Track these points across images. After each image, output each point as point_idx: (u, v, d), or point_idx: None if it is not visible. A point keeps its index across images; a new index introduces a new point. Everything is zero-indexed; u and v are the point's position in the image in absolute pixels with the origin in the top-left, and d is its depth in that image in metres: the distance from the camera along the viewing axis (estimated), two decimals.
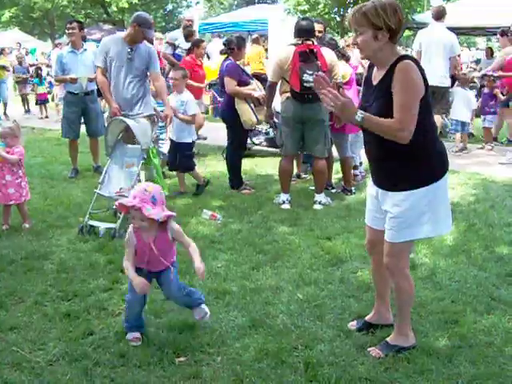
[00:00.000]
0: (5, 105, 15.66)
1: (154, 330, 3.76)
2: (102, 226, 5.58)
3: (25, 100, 16.57)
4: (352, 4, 19.28)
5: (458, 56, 9.84)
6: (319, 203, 6.56)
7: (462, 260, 4.95)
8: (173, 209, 6.32)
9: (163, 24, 47.31)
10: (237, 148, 7.36)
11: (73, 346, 3.57)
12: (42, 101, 15.54)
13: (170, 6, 44.90)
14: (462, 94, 10.33)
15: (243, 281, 4.55)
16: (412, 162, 3.23)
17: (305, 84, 6.01)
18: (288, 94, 6.25)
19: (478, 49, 28.15)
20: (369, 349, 3.54)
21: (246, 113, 6.92)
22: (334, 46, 7.09)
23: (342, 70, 6.89)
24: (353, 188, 7.21)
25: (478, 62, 21.81)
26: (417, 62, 3.19)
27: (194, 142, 7.18)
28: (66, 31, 8.20)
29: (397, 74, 3.13)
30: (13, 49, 21.75)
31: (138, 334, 3.65)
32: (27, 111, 16.42)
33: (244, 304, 4.14)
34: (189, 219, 6.04)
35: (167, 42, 11.61)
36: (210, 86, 12.42)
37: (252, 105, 6.98)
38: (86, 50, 8.06)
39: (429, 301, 4.17)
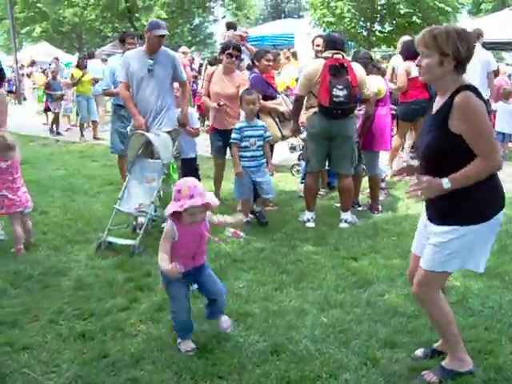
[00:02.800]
0: (93, 122, 13.77)
1: (171, 354, 3.60)
2: (122, 242, 5.46)
3: (56, 120, 14.82)
4: (379, 18, 19.07)
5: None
6: (345, 222, 6.37)
7: (495, 284, 4.71)
8: None
9: (189, 38, 47.67)
10: None
11: (86, 368, 3.44)
12: None
13: (196, 21, 45.20)
14: (504, 108, 10.71)
15: (266, 302, 4.37)
16: (463, 196, 3.07)
17: (334, 99, 5.83)
18: (315, 109, 6.06)
19: (507, 64, 27.71)
20: (423, 373, 3.38)
21: (271, 127, 6.76)
22: (368, 61, 6.91)
23: (378, 85, 6.71)
24: (379, 206, 7.00)
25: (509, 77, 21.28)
26: (477, 91, 3.03)
27: (196, 157, 6.95)
28: (128, 46, 7.81)
29: (458, 107, 2.98)
30: (49, 64, 21.69)
31: (193, 345, 3.65)
32: (56, 133, 14.43)
33: (266, 327, 3.96)
34: (210, 236, 5.86)
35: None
36: None
37: (277, 119, 6.84)
38: None
39: (460, 328, 3.89)
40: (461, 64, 3.04)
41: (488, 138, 2.99)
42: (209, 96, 6.91)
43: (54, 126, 14.76)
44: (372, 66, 6.87)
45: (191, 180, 3.54)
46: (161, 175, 5.61)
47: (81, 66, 13.79)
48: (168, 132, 5.88)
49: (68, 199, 7.48)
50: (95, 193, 7.92)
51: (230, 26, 10.30)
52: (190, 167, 6.68)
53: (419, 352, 3.64)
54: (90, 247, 5.55)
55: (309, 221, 6.36)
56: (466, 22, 30.29)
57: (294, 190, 7.99)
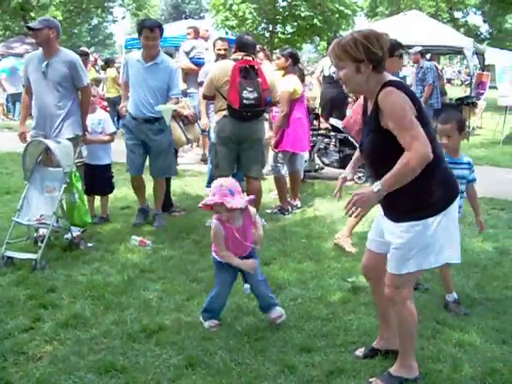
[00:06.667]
0: None
1: (80, 376, 3.37)
2: (22, 256, 5.14)
3: None
4: (281, 20, 19.28)
5: None
6: None
7: None
8: (99, 234, 6.00)
9: (88, 39, 46.43)
10: None
11: None
12: None
13: (95, 21, 43.97)
14: None
15: (177, 313, 4.23)
16: (412, 193, 3.02)
17: (244, 101, 5.71)
18: (225, 112, 5.89)
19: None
20: (370, 379, 3.37)
21: (175, 132, 6.58)
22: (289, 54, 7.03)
23: (294, 85, 6.81)
24: (289, 207, 7.02)
25: None
26: (400, 86, 3.00)
27: (111, 164, 6.67)
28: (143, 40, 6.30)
29: (380, 104, 2.98)
30: None
31: (217, 321, 4.04)
32: None
33: (179, 340, 3.82)
34: (116, 246, 5.65)
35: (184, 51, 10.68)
36: None
37: (181, 123, 6.66)
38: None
39: (374, 328, 3.99)
40: (379, 64, 3.02)
41: (409, 128, 2.88)
42: None
43: None
44: (294, 65, 6.96)
45: (225, 180, 3.89)
46: (62, 184, 5.33)
47: None
48: (69, 139, 5.60)
49: None
50: None
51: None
52: (102, 175, 6.42)
53: (359, 352, 3.66)
54: None
55: None
56: (363, 24, 31.44)
57: (200, 195, 7.85)
